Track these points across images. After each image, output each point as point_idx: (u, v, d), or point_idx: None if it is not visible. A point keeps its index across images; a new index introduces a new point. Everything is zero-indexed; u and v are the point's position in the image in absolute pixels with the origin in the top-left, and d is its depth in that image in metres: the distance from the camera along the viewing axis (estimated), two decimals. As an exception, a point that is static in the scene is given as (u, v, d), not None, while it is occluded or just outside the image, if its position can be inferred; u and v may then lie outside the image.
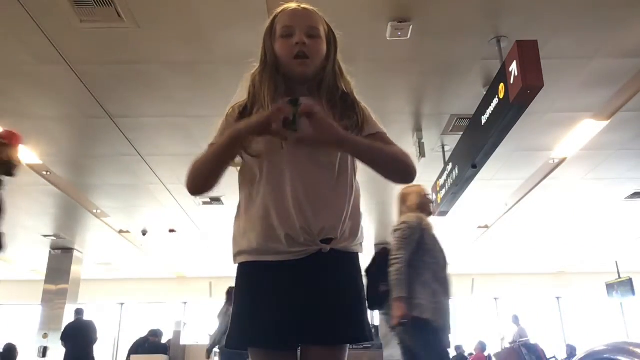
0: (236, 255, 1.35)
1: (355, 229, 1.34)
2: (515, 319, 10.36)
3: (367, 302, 1.38)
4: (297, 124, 1.20)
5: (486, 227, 9.04)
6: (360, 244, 1.37)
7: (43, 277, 9.84)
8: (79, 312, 8.56)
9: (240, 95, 1.44)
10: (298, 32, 1.36)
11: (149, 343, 8.35)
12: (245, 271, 1.33)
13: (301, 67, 1.35)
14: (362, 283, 1.37)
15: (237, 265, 1.35)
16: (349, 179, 1.35)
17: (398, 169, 1.35)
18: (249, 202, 1.33)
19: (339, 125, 1.27)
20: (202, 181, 1.33)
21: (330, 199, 1.29)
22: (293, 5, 1.42)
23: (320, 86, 1.39)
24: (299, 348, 1.29)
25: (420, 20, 3.77)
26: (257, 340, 1.27)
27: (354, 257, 1.36)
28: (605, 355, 1.19)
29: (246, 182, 1.36)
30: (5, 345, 8.85)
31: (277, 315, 1.25)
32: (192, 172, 1.32)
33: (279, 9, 1.42)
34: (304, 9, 1.41)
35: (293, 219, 1.26)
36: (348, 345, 1.30)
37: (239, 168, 1.39)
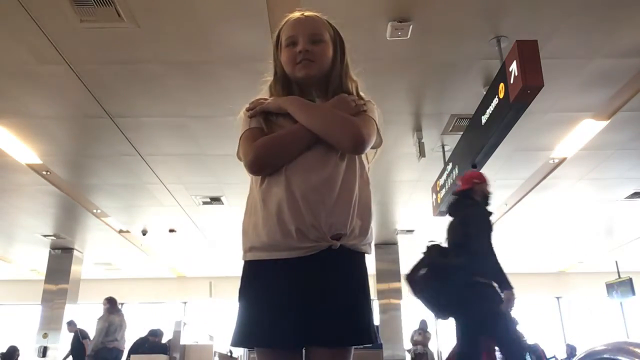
0: (247, 251, 1.35)
1: (364, 227, 1.35)
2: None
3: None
4: None
5: (486, 227, 9.03)
6: (370, 244, 1.38)
7: (43, 277, 9.84)
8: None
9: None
10: (301, 40, 1.40)
11: (149, 343, 8.34)
12: (254, 269, 1.33)
13: (304, 70, 1.40)
14: (368, 283, 1.37)
15: (244, 262, 1.35)
16: (357, 176, 1.37)
17: (338, 137, 1.33)
18: (261, 199, 1.34)
19: None
20: (286, 156, 1.33)
21: (338, 195, 1.31)
22: (296, 14, 1.45)
23: (327, 89, 1.43)
24: (304, 349, 1.29)
25: (420, 20, 3.77)
26: (264, 339, 1.27)
27: (362, 258, 1.37)
28: (605, 355, 1.19)
29: (260, 181, 1.37)
30: (8, 348, 8.89)
31: (284, 315, 1.25)
32: (274, 146, 1.33)
33: (284, 21, 1.46)
34: (306, 16, 1.44)
35: (303, 214, 1.27)
36: (353, 347, 1.31)
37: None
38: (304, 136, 1.32)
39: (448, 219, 3.87)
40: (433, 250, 3.72)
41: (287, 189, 1.30)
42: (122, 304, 13.11)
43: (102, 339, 7.04)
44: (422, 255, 3.72)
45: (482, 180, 3.87)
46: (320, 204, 1.28)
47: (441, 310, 3.68)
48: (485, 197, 3.84)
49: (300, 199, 1.28)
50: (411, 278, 3.66)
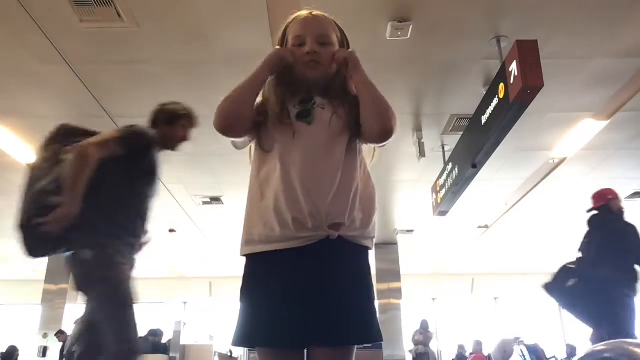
0: (244, 245, 1.34)
1: (366, 220, 1.34)
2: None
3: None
4: (311, 116, 1.36)
5: (486, 227, 9.04)
6: (372, 238, 1.37)
7: (43, 277, 9.83)
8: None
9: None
10: (309, 40, 1.40)
11: (149, 343, 8.35)
12: (252, 265, 1.33)
13: (311, 71, 1.40)
14: (371, 280, 1.36)
15: (244, 259, 1.35)
16: (357, 169, 1.37)
17: (382, 115, 1.35)
18: (258, 193, 1.34)
19: (348, 118, 1.37)
20: (236, 107, 1.36)
21: (337, 185, 1.30)
22: (304, 13, 1.44)
23: (329, 88, 1.43)
24: (306, 349, 1.28)
25: (420, 20, 3.77)
26: (264, 339, 1.26)
27: (363, 252, 1.35)
28: (605, 355, 1.19)
29: (257, 173, 1.38)
30: (8, 348, 8.89)
31: (284, 313, 1.24)
32: (224, 101, 1.36)
33: (291, 18, 1.46)
34: (314, 16, 1.44)
35: (301, 204, 1.26)
36: (355, 346, 1.29)
37: (251, 151, 1.45)
38: (257, 79, 1.38)
39: (585, 233, 4.02)
40: (581, 263, 3.86)
41: (284, 178, 1.29)
42: (122, 304, 13.16)
43: (74, 343, 7.27)
44: (567, 266, 3.85)
45: (615, 196, 4.02)
46: (319, 192, 1.28)
47: (593, 320, 3.76)
48: (620, 212, 4.00)
49: (298, 187, 1.28)
50: (554, 287, 3.80)
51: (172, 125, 2.83)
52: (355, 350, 1.30)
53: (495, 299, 13.18)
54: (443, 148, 5.80)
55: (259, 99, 1.44)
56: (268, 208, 1.30)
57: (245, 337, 1.28)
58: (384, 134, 1.35)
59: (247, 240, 1.34)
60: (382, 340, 1.29)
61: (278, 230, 1.27)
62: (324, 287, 1.26)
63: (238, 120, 1.36)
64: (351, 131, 1.37)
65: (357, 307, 1.28)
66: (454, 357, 10.94)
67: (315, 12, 1.45)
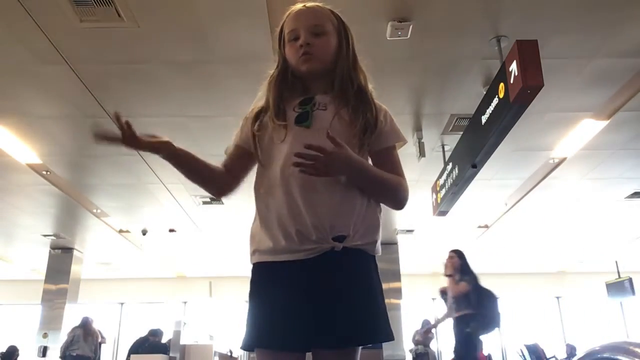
0: (252, 254, 1.35)
1: (370, 229, 1.33)
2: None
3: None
4: (310, 120, 1.32)
5: (486, 227, 9.04)
6: (374, 243, 1.34)
7: (43, 277, 9.83)
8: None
9: (260, 97, 1.45)
10: (303, 33, 1.37)
11: (149, 343, 8.36)
12: (259, 272, 1.33)
13: (306, 64, 1.37)
14: (378, 282, 1.34)
15: (245, 260, 1.37)
16: None
17: (394, 201, 1.39)
18: (262, 203, 1.34)
19: (352, 123, 1.33)
20: (201, 186, 1.48)
21: (341, 197, 1.29)
22: (298, 6, 1.43)
23: (333, 82, 1.40)
24: (309, 351, 1.28)
25: (420, 20, 3.77)
26: (265, 341, 1.26)
27: (369, 258, 1.33)
28: (605, 355, 1.18)
29: (260, 183, 1.37)
30: (8, 348, 8.90)
31: (287, 316, 1.24)
32: None
33: (286, 13, 1.44)
34: (307, 8, 1.42)
35: (304, 215, 1.25)
36: (359, 347, 1.29)
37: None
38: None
39: None
40: None
41: (285, 189, 1.28)
42: (121, 303, 13.16)
43: (67, 347, 8.42)
44: None
45: None
46: (321, 204, 1.27)
47: None
48: None
49: (299, 198, 1.27)
50: None
51: None
52: (359, 351, 1.29)
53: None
54: (443, 148, 5.80)
55: (260, 103, 1.43)
56: (272, 220, 1.30)
57: (250, 340, 1.28)
58: (399, 209, 1.40)
59: (254, 250, 1.34)
60: (392, 339, 1.27)
61: (283, 242, 1.27)
62: (327, 291, 1.26)
63: (215, 189, 1.48)
64: (355, 137, 1.33)
65: (361, 308, 1.27)
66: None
67: (308, 4, 1.43)
